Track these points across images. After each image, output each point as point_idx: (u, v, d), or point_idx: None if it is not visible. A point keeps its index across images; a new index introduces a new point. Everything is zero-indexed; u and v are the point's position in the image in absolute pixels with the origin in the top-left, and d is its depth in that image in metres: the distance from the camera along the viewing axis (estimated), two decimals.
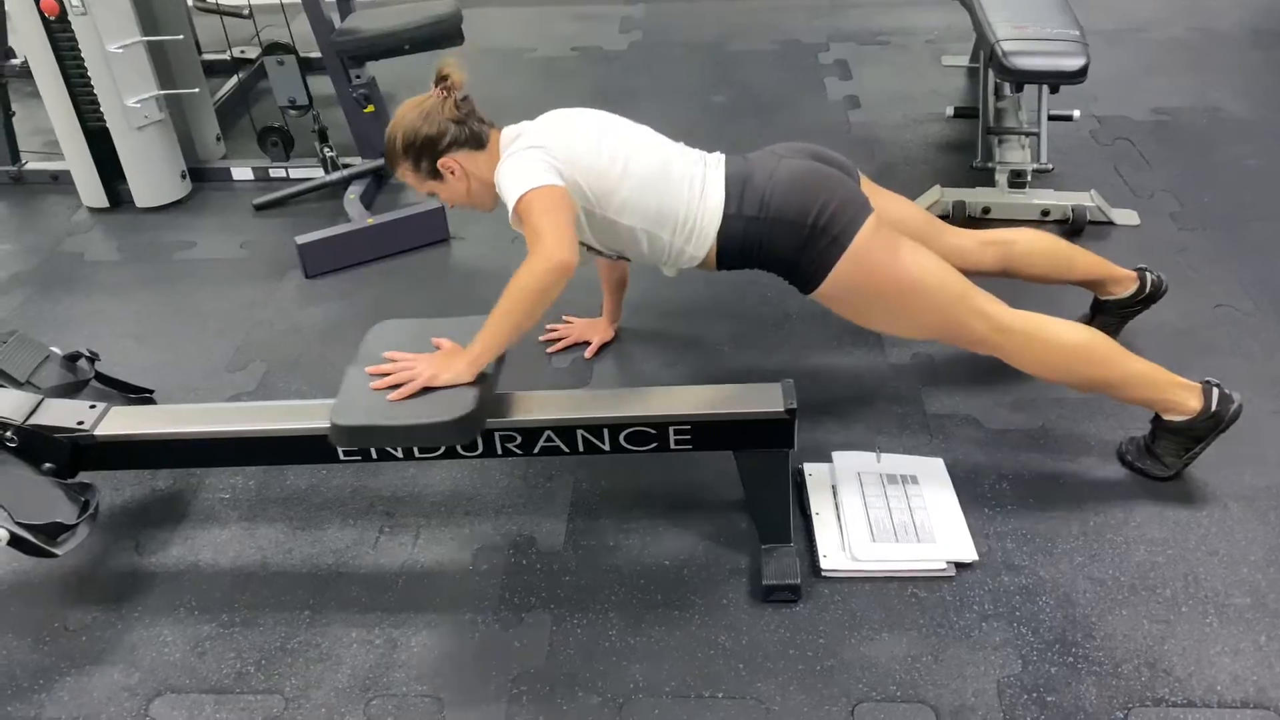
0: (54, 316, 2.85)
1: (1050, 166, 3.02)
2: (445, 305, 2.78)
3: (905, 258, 1.96)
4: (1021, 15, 2.92)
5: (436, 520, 2.10)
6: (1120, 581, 1.89)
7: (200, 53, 4.18)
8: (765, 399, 1.84)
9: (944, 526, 1.99)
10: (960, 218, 2.96)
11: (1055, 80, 2.80)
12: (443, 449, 1.88)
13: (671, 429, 1.86)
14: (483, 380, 1.81)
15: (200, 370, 2.59)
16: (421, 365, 1.81)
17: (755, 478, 1.91)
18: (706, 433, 1.87)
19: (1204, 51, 4.07)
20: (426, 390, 1.79)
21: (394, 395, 1.78)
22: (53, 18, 2.99)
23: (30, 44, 3.07)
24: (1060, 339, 2.00)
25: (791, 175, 1.97)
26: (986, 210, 3.00)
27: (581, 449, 1.89)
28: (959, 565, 1.93)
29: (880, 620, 1.84)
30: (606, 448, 1.89)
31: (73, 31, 3.00)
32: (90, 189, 3.31)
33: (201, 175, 3.48)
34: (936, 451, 2.19)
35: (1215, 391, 1.99)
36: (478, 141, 1.96)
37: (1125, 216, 2.99)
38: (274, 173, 3.45)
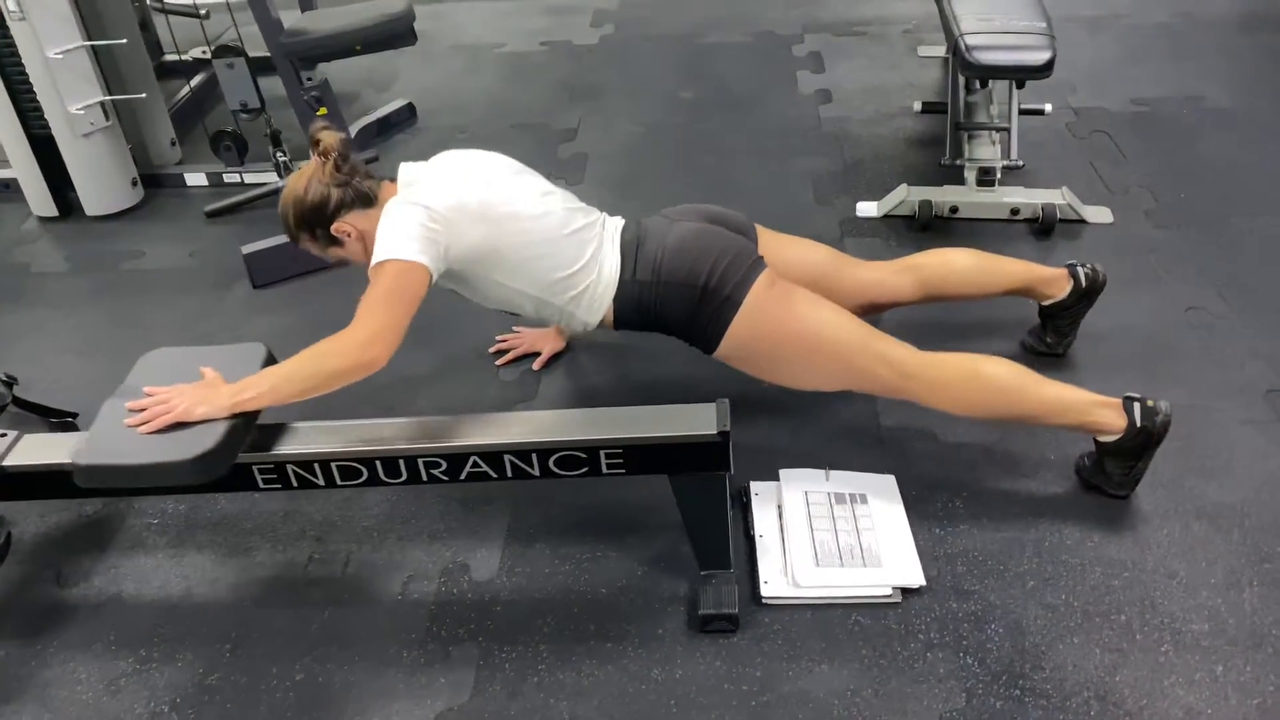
0: None
1: (1021, 163, 2.93)
2: None
3: (801, 310, 1.93)
4: (988, 7, 2.82)
5: (368, 546, 2.03)
6: (1073, 607, 1.81)
7: (163, 53, 4.12)
8: (698, 421, 1.76)
9: (892, 549, 1.91)
10: (926, 217, 2.86)
11: (1020, 75, 2.71)
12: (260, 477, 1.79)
13: (603, 453, 1.78)
14: (241, 414, 1.72)
15: None
16: (178, 398, 1.71)
17: (691, 502, 1.83)
18: (639, 456, 1.78)
19: (1188, 37, 3.96)
20: (178, 425, 1.69)
21: (142, 429, 1.68)
22: None
23: None
24: (969, 377, 1.94)
25: (681, 239, 1.95)
26: (954, 209, 2.91)
27: (510, 474, 1.81)
28: (906, 591, 1.85)
29: (821, 651, 1.76)
30: (536, 473, 1.81)
31: (11, 37, 2.92)
32: (39, 198, 3.23)
33: (155, 181, 3.40)
34: (889, 467, 2.11)
35: (1136, 406, 1.90)
36: (366, 200, 1.90)
37: (1098, 214, 2.89)
38: (228, 178, 3.37)
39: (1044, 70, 2.60)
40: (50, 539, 2.11)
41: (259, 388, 1.71)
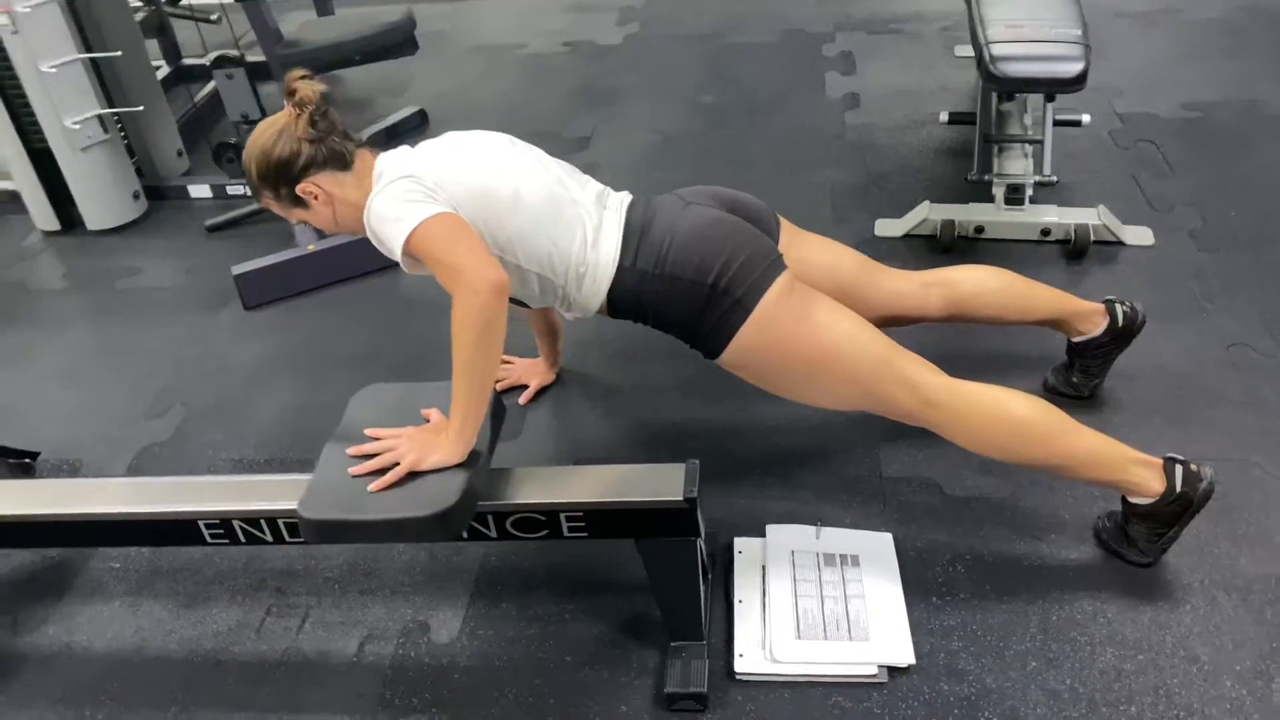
0: None
1: (1054, 179, 2.72)
2: (386, 337, 2.61)
3: (819, 320, 1.73)
4: (1019, 12, 2.61)
5: (328, 600, 1.93)
6: (1079, 694, 1.63)
7: (181, 57, 4.08)
8: (663, 484, 1.61)
9: (881, 621, 1.75)
10: (949, 239, 2.68)
11: (1048, 89, 2.50)
12: None
13: (563, 516, 1.66)
14: (474, 460, 1.60)
15: (118, 416, 2.45)
16: (406, 445, 1.60)
17: (660, 569, 1.69)
18: (601, 520, 1.65)
19: (1247, 34, 3.69)
20: (412, 475, 1.58)
21: (374, 485, 1.57)
22: None
23: None
24: (999, 414, 1.74)
25: (693, 227, 1.74)
26: (980, 229, 2.71)
27: (465, 536, 1.70)
28: (893, 669, 1.69)
29: None
30: (493, 535, 1.69)
31: (5, 50, 2.87)
32: (41, 211, 3.19)
33: (160, 193, 3.34)
34: (887, 523, 1.95)
35: (1179, 470, 1.71)
36: (341, 161, 1.72)
37: (1138, 235, 2.68)
38: (231, 190, 3.30)
39: (1074, 84, 2.39)
40: (12, 581, 2.04)
41: (461, 410, 1.57)
